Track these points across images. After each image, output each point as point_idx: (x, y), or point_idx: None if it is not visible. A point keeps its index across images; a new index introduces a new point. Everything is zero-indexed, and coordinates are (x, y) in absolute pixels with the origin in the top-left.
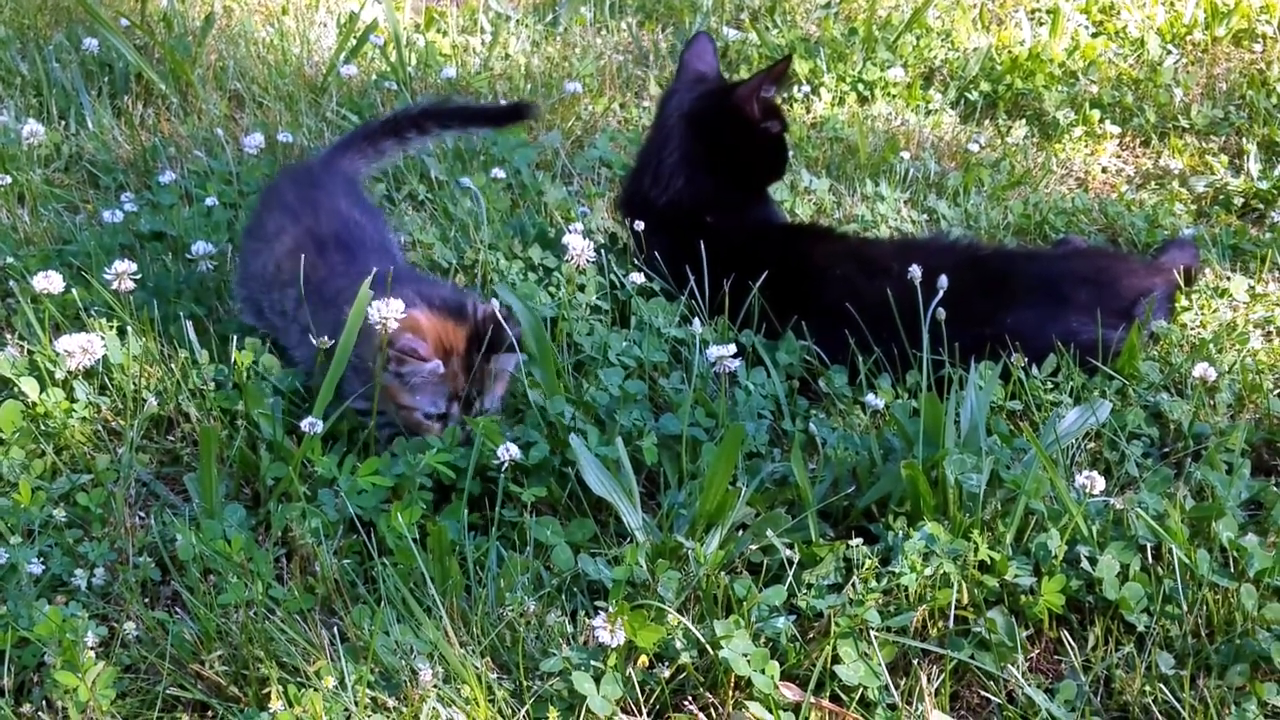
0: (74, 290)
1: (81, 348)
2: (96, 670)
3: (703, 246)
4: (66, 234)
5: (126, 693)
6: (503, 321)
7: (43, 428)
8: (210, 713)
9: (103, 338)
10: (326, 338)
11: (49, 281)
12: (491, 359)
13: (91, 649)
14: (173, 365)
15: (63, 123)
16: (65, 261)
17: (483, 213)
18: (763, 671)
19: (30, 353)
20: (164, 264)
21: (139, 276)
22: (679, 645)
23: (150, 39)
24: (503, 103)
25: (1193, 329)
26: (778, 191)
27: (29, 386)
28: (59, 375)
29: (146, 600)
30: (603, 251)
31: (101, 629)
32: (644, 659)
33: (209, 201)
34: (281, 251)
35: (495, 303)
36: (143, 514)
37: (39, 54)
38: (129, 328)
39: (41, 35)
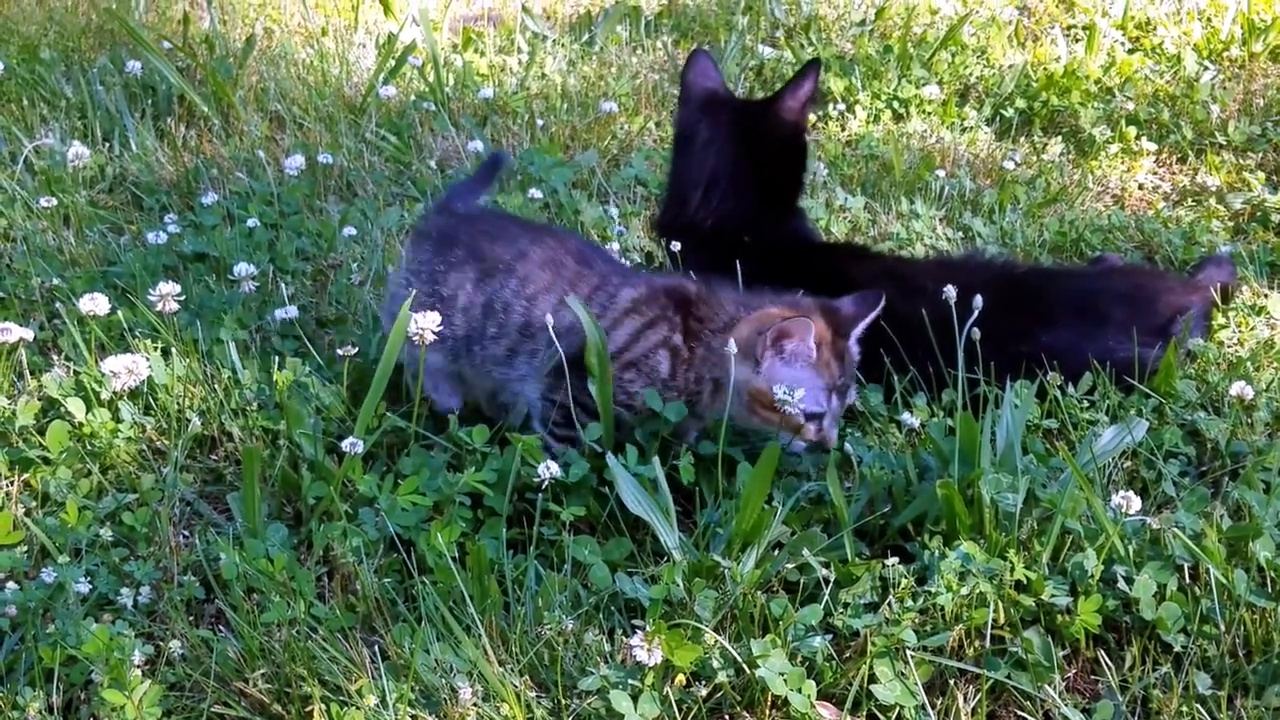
0: (119, 311)
1: (127, 368)
2: (143, 688)
3: (739, 265)
4: (111, 255)
5: (172, 710)
6: (850, 303)
7: (89, 448)
8: None
9: (147, 358)
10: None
11: (95, 303)
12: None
13: (138, 667)
14: (215, 385)
15: (107, 145)
16: (110, 283)
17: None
18: (799, 691)
19: (76, 373)
20: (207, 285)
21: (183, 297)
22: (716, 664)
23: (192, 61)
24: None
25: (1230, 347)
26: (813, 210)
27: (75, 407)
28: (105, 396)
29: (191, 618)
30: (639, 271)
31: (147, 647)
32: (681, 678)
33: (251, 222)
34: (529, 270)
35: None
36: (187, 533)
37: (83, 77)
38: (173, 348)
39: (86, 58)
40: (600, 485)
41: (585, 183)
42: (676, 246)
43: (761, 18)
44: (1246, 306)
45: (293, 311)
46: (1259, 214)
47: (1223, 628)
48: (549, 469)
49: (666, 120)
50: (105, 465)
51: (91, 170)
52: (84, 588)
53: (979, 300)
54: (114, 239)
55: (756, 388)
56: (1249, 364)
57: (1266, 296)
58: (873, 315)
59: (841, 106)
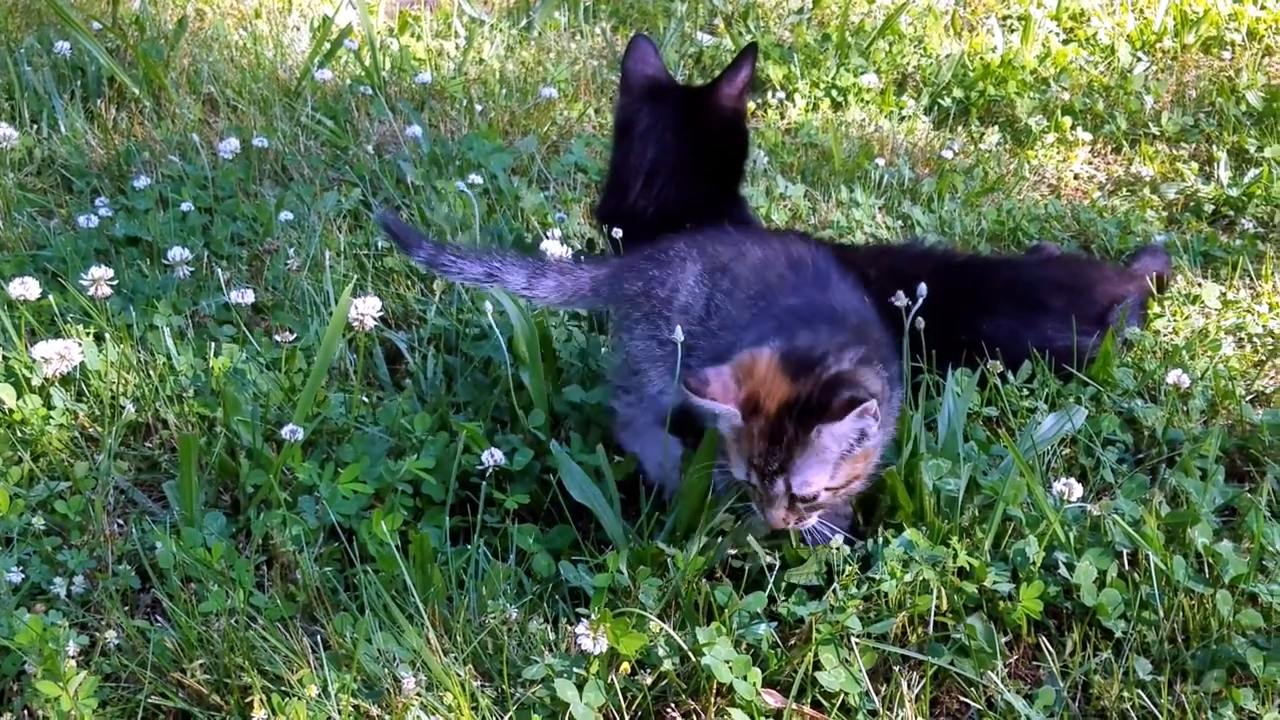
0: (50, 296)
1: (58, 354)
2: (78, 679)
3: None
4: (41, 239)
5: (108, 701)
6: (849, 383)
7: (19, 434)
8: None
9: (80, 344)
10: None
11: (24, 287)
12: (814, 429)
13: (72, 658)
14: (150, 371)
15: (35, 126)
16: (40, 267)
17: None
18: (745, 678)
19: (6, 359)
20: (140, 269)
21: (115, 282)
22: (661, 652)
23: (122, 42)
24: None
25: (1165, 335)
26: (753, 197)
27: (5, 393)
28: (35, 382)
29: (127, 608)
30: (580, 257)
31: (82, 637)
32: (626, 666)
33: (184, 206)
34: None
35: (852, 362)
36: (121, 521)
37: (10, 57)
38: (106, 334)
39: (12, 38)
40: (543, 473)
41: (525, 169)
42: (618, 233)
43: (700, 5)
44: (1181, 295)
45: (248, 295)
46: (1192, 204)
47: (1162, 614)
48: (492, 456)
49: (606, 107)
50: (36, 453)
51: (19, 152)
52: (16, 577)
53: (923, 289)
54: (43, 222)
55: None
56: (1184, 352)
57: (1200, 286)
58: (847, 420)
59: (781, 95)
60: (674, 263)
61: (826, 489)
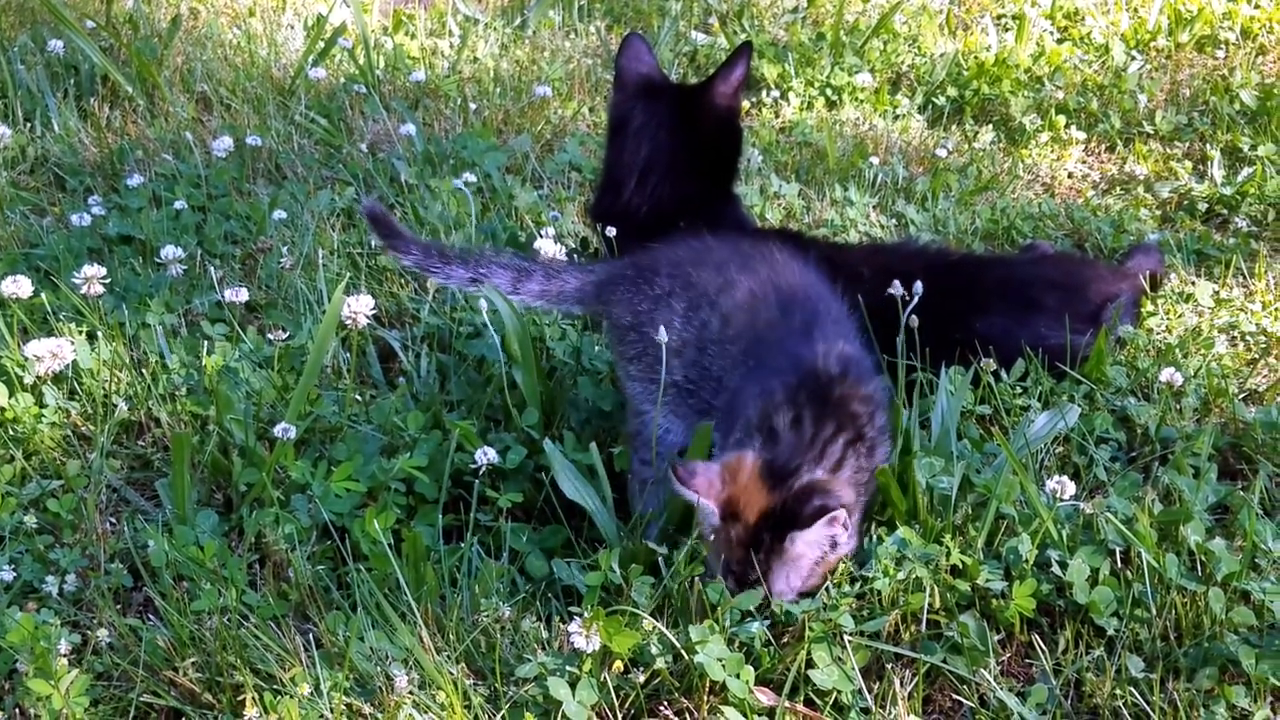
0: (42, 294)
1: (51, 352)
2: (70, 678)
3: None
4: (34, 237)
5: (100, 700)
6: (820, 491)
7: (11, 433)
8: None
9: (72, 342)
10: None
11: (17, 285)
12: (789, 537)
13: (64, 656)
14: (143, 370)
15: (28, 125)
16: (33, 265)
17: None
18: (738, 676)
19: None
20: (133, 268)
21: (108, 280)
22: (654, 650)
23: (116, 41)
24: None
25: (1159, 334)
26: (748, 196)
27: None
28: (28, 380)
29: (119, 607)
30: (574, 256)
31: (74, 636)
32: (619, 664)
33: (178, 205)
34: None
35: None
36: (114, 520)
37: (4, 55)
38: (99, 332)
39: (6, 37)
40: (536, 472)
41: (519, 167)
42: (612, 232)
43: (694, 3)
44: (1175, 294)
45: (242, 294)
46: (1186, 203)
47: (1154, 611)
48: (485, 454)
49: (600, 105)
50: (29, 451)
51: (13, 151)
52: (8, 575)
53: (919, 287)
54: (36, 221)
55: None
56: (1177, 351)
57: (1194, 284)
58: (817, 527)
59: (775, 93)
60: (660, 300)
61: (801, 592)
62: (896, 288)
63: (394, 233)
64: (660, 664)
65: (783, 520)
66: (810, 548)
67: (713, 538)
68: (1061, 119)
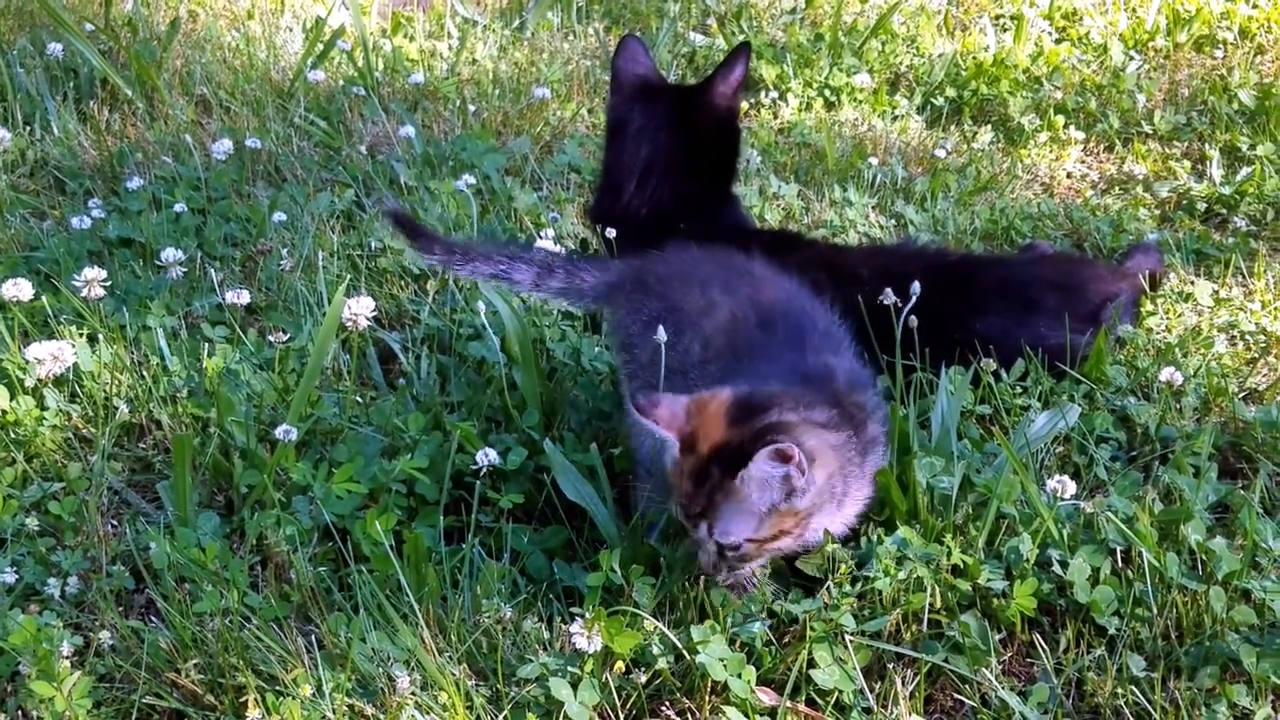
0: (43, 297)
1: (52, 355)
2: (72, 680)
3: None
4: (34, 240)
5: (102, 702)
6: (779, 430)
7: (13, 435)
8: None
9: (73, 345)
10: None
11: (17, 289)
12: (738, 475)
13: (66, 658)
14: (144, 372)
15: (28, 128)
16: (33, 268)
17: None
18: (739, 676)
19: None
20: (133, 270)
21: (108, 283)
22: (655, 650)
23: (115, 44)
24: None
25: (1158, 333)
26: (747, 197)
27: None
28: (29, 383)
29: (121, 609)
30: (573, 257)
31: (76, 638)
32: (620, 664)
33: (177, 207)
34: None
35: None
36: (115, 522)
37: (3, 59)
38: (99, 335)
39: (5, 40)
40: (537, 472)
41: (518, 169)
42: (611, 233)
43: (693, 4)
44: (1174, 293)
45: (243, 296)
46: (1185, 202)
47: (1155, 610)
48: (486, 455)
49: (599, 107)
50: (30, 454)
51: (12, 154)
52: (10, 578)
53: (916, 287)
54: (36, 224)
55: None
56: (1177, 350)
57: (1193, 284)
58: (765, 465)
59: (774, 94)
60: (650, 325)
61: (749, 540)
62: (891, 296)
63: (418, 232)
64: (662, 664)
65: (736, 457)
66: (760, 490)
67: (672, 474)
68: (1060, 119)
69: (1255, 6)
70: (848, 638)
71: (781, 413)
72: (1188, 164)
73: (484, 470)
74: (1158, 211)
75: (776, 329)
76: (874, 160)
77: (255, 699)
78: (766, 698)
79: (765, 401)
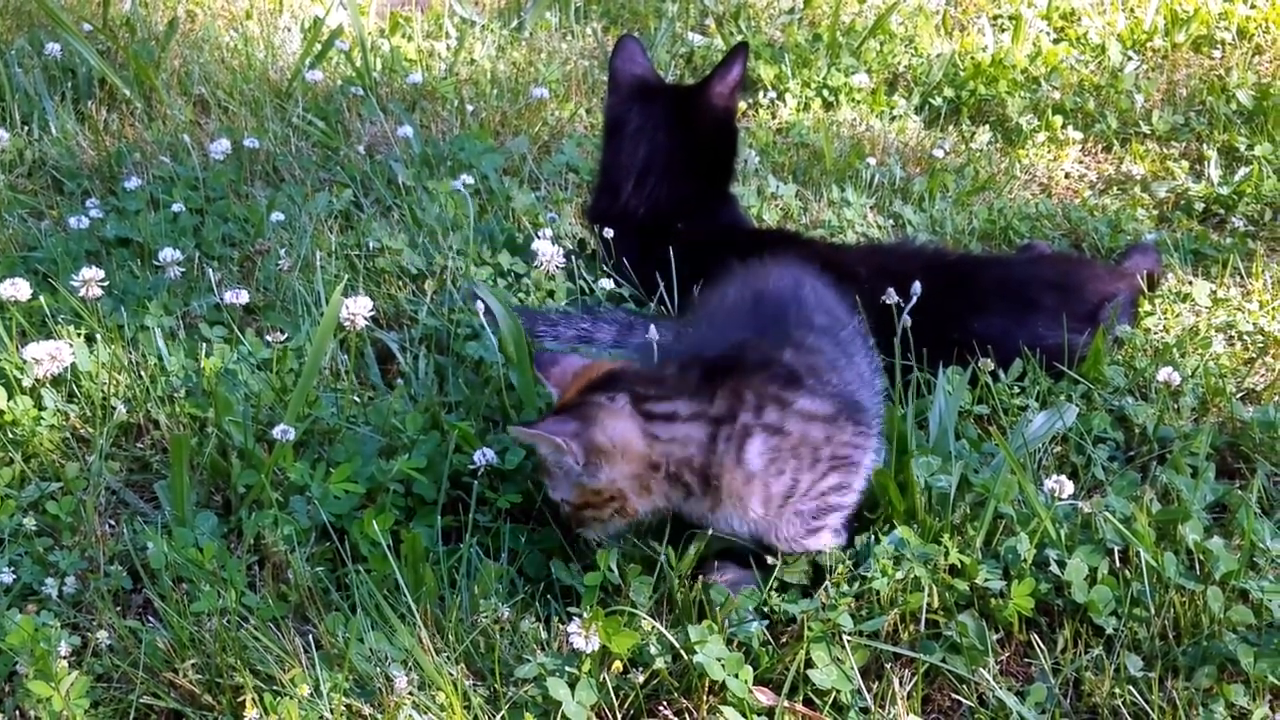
0: (41, 297)
1: (49, 355)
2: (70, 680)
3: (672, 252)
4: (32, 240)
5: (100, 702)
6: (575, 412)
7: (10, 435)
8: None
9: (71, 345)
10: None
11: (15, 288)
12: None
13: (64, 658)
14: (141, 372)
15: (26, 128)
16: (31, 268)
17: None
18: (737, 676)
19: None
20: (131, 270)
21: (106, 283)
22: (653, 650)
23: (113, 44)
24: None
25: (1156, 333)
26: (745, 197)
27: None
28: (26, 383)
29: (118, 609)
30: (572, 257)
31: (74, 638)
32: (618, 664)
33: (175, 207)
34: None
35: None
36: (113, 522)
37: (1, 59)
38: (97, 335)
39: (3, 40)
40: (535, 472)
41: (516, 169)
42: (609, 234)
43: (691, 5)
44: (1172, 294)
45: (241, 296)
46: (1183, 202)
47: (1153, 610)
48: (484, 455)
49: (597, 107)
50: (28, 453)
51: (10, 154)
52: (7, 578)
53: (917, 286)
54: (34, 224)
55: None
56: (1175, 350)
57: (1191, 284)
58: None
59: (772, 94)
60: None
61: (566, 502)
62: (891, 296)
63: (520, 319)
64: (659, 664)
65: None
66: (550, 456)
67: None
68: (1058, 119)
69: (1253, 7)
70: (845, 638)
71: (616, 396)
72: (1185, 164)
73: (482, 470)
74: (1155, 212)
75: (759, 311)
76: (872, 160)
77: (253, 699)
78: (764, 697)
79: (617, 381)
